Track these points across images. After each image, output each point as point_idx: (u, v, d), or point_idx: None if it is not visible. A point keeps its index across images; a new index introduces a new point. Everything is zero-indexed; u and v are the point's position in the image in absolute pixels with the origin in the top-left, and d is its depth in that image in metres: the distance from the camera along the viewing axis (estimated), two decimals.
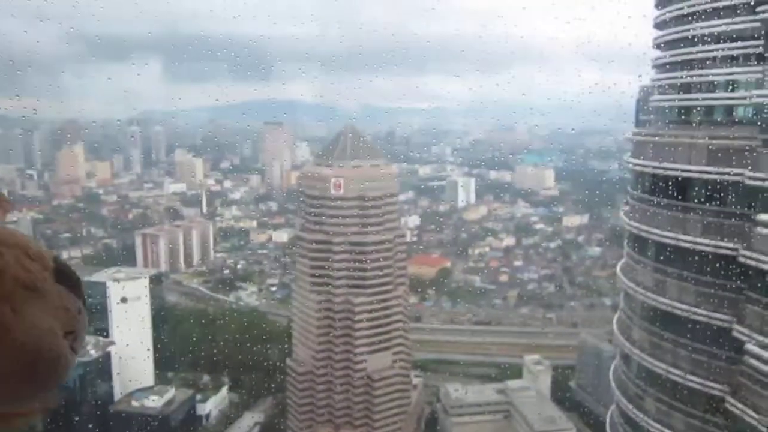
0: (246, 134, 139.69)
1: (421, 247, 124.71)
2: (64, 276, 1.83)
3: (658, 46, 39.26)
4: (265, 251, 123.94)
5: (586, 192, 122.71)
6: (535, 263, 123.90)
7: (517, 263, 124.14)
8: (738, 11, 32.18)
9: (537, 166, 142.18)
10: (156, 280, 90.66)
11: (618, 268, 41.91)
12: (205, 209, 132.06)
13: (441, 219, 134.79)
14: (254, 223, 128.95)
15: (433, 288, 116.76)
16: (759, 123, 30.77)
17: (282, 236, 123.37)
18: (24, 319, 1.67)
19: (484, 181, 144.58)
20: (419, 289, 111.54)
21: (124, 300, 79.96)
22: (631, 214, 39.20)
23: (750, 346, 27.14)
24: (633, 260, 38.87)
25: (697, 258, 33.12)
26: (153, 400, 77.55)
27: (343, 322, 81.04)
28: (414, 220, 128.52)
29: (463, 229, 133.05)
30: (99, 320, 77.27)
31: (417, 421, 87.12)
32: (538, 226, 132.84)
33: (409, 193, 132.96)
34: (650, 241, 36.28)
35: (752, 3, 30.79)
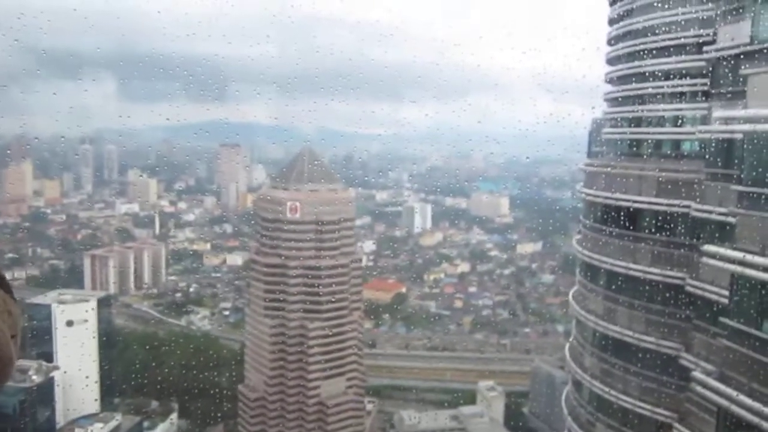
0: (201, 155, 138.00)
1: (376, 272, 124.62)
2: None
3: (609, 81, 40.55)
4: (218, 274, 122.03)
5: (540, 220, 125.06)
6: (490, 289, 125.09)
7: (472, 289, 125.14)
8: (686, 50, 33.54)
9: (492, 194, 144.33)
10: (104, 303, 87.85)
11: (570, 295, 42.61)
12: (157, 231, 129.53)
13: (397, 244, 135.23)
14: (208, 246, 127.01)
15: (388, 313, 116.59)
16: (705, 157, 31.97)
17: (236, 259, 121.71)
18: None
19: (440, 207, 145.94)
20: (374, 315, 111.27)
21: (70, 323, 77.33)
22: (583, 243, 40.03)
23: (696, 374, 27.80)
24: (585, 288, 39.59)
25: (646, 287, 33.95)
26: (98, 428, 74.81)
27: (297, 347, 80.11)
28: (370, 245, 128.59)
29: (418, 254, 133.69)
30: (43, 344, 74.49)
31: None
32: (493, 253, 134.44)
33: (366, 218, 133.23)
34: (601, 269, 37.06)
35: (699, 42, 32.16)
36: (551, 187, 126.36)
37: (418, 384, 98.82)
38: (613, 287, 36.07)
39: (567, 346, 43.15)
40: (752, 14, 27.47)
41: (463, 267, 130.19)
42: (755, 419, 22.99)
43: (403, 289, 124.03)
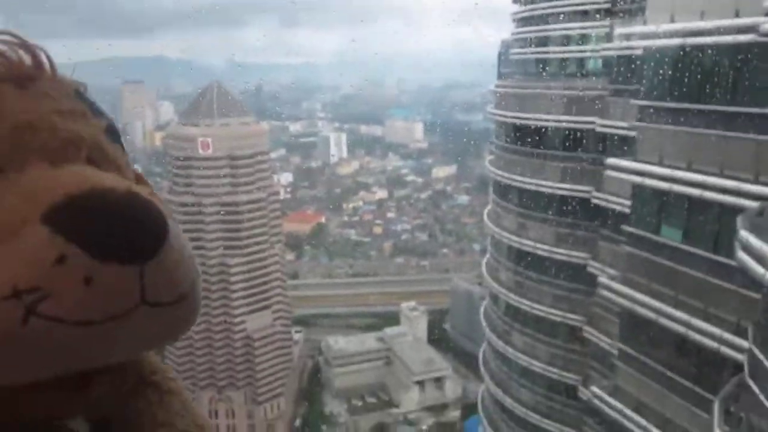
0: (103, 94, 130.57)
1: (295, 204, 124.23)
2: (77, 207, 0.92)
3: (516, 1, 40.95)
4: None
5: (454, 143, 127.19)
6: (408, 214, 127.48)
7: (391, 215, 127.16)
8: None
9: (406, 120, 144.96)
10: None
11: (485, 214, 44.20)
12: None
13: (314, 175, 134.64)
14: None
15: (310, 244, 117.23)
16: (608, 74, 33.28)
17: None
18: None
19: (355, 135, 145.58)
20: (295, 246, 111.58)
21: None
22: (495, 163, 41.30)
23: (602, 279, 29.85)
24: (498, 206, 41.14)
25: (556, 202, 35.69)
26: None
27: (220, 284, 79.59)
28: (287, 177, 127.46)
29: (336, 184, 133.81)
30: None
31: (300, 376, 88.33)
32: (409, 178, 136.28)
33: (281, 150, 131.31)
34: (513, 187, 38.52)
35: None
36: (464, 110, 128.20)
37: (343, 310, 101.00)
38: (525, 204, 37.68)
39: (483, 262, 45.04)
40: None
41: (381, 194, 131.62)
42: (653, 315, 25.13)
43: (323, 220, 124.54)
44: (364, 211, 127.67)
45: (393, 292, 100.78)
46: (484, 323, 43.42)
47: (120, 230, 0.90)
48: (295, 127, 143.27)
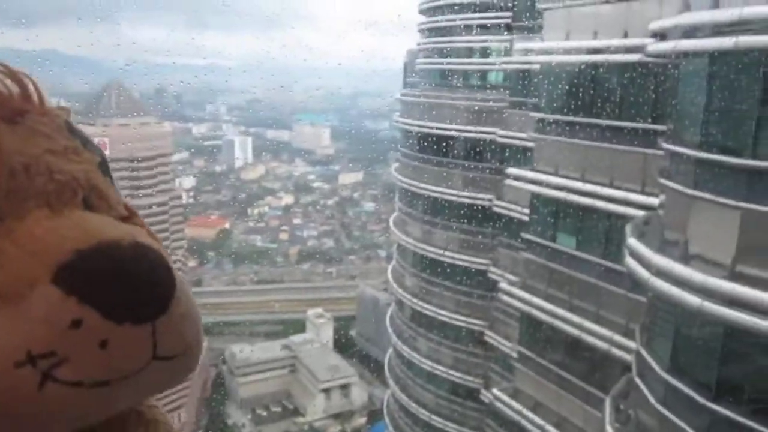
0: None
1: (198, 208, 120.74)
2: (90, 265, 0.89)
3: (422, 12, 41.80)
4: None
5: (361, 150, 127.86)
6: (315, 220, 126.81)
7: (297, 221, 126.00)
8: None
9: (314, 126, 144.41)
10: None
11: (391, 221, 44.69)
12: None
13: (218, 179, 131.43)
14: None
15: (213, 250, 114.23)
16: (508, 87, 34.58)
17: None
18: None
19: (262, 140, 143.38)
20: (199, 252, 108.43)
21: None
22: (401, 171, 41.88)
23: (502, 285, 30.87)
24: (404, 213, 41.72)
25: (459, 209, 36.61)
26: None
27: None
28: (190, 181, 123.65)
29: (241, 189, 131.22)
30: None
31: (203, 386, 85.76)
32: (316, 184, 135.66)
33: (184, 153, 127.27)
34: (418, 195, 39.20)
35: None
36: (371, 118, 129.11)
37: (248, 318, 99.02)
38: (430, 211, 38.42)
39: (389, 269, 45.48)
40: None
41: (287, 199, 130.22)
42: (549, 319, 26.22)
43: (227, 225, 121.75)
44: (269, 217, 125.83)
45: (299, 299, 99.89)
46: (389, 329, 43.80)
47: (133, 290, 0.89)
48: (199, 130, 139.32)
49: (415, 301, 39.38)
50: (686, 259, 16.43)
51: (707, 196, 15.86)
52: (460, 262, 36.44)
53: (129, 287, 0.88)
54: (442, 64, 38.79)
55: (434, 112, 37.98)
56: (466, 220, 36.30)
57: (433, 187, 37.52)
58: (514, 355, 30.08)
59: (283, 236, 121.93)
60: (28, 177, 0.97)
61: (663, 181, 18.41)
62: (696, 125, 16.62)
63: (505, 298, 29.98)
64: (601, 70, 24.41)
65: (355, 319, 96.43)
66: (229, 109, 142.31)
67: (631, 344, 20.79)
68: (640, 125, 22.60)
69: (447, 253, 36.96)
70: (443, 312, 37.34)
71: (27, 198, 0.96)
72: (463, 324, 36.52)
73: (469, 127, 35.60)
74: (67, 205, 0.99)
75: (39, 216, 0.94)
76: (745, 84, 15.18)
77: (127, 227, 1.01)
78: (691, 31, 17.32)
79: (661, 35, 19.49)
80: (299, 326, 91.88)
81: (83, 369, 0.86)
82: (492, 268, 34.69)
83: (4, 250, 0.90)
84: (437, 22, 39.49)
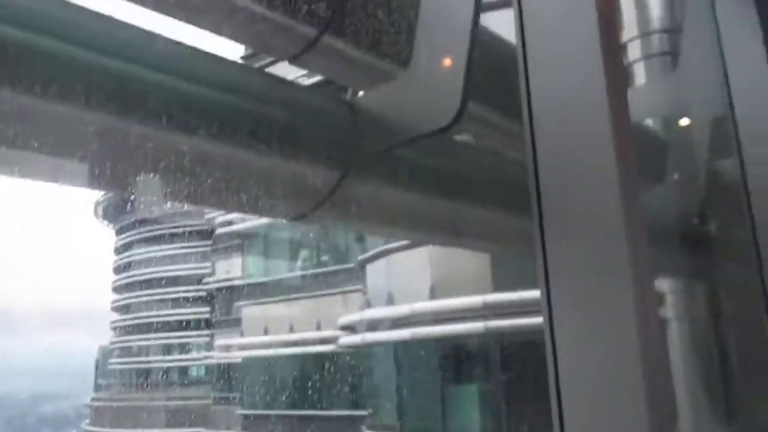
0: None
1: None
2: None
3: (116, 309, 40.20)
4: None
5: None
6: None
7: None
8: (191, 279, 36.00)
9: None
10: None
11: None
12: None
13: None
14: None
15: None
16: (213, 381, 33.47)
17: None
18: None
19: None
20: None
21: None
22: None
23: None
24: None
25: None
26: None
27: None
28: None
29: None
30: None
31: None
32: None
33: None
34: None
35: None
36: (53, 426, 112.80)
37: None
38: None
39: None
40: (241, 253, 31.35)
41: None
42: None
43: None
44: None
45: None
46: None
47: None
48: None
49: None
50: None
51: None
52: None
53: None
54: (138, 362, 36.68)
55: (131, 416, 34.64)
56: None
57: None
58: None
59: None
60: None
61: None
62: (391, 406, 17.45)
63: None
64: (299, 360, 25.13)
65: None
66: None
67: None
68: (332, 413, 23.17)
69: None
70: None
71: None
72: None
73: (169, 430, 32.89)
74: None
75: None
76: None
77: None
78: (375, 325, 19.04)
79: (350, 328, 21.08)
80: None
81: None
82: None
83: None
84: (131, 319, 38.14)
